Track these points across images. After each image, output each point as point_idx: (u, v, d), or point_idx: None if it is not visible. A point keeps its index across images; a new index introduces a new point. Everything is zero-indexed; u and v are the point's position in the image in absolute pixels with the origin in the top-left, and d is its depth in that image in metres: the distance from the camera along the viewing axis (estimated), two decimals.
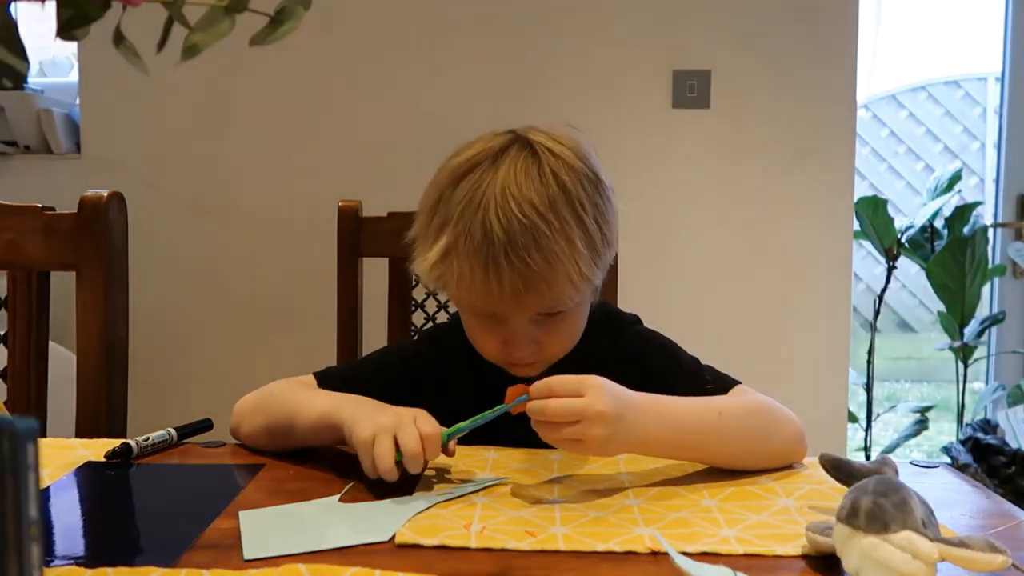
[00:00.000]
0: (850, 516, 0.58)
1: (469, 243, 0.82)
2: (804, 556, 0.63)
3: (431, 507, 0.73)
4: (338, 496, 0.76)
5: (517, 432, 0.90)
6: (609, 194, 0.90)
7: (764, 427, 0.85)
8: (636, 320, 1.02)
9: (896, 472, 0.72)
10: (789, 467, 0.85)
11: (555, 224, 0.82)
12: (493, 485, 0.79)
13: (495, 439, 0.90)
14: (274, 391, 0.93)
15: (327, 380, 0.95)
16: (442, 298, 1.46)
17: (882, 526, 0.56)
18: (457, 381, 0.97)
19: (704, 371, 0.94)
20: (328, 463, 0.86)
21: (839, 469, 0.71)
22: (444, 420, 0.80)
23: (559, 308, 0.87)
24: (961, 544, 0.57)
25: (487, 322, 0.89)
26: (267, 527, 0.69)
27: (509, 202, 0.82)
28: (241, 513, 0.72)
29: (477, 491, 0.78)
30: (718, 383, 0.91)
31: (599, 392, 0.74)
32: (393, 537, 0.66)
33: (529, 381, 0.77)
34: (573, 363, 0.92)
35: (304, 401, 0.88)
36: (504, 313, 0.87)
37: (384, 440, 0.76)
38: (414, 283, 1.42)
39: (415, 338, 1.05)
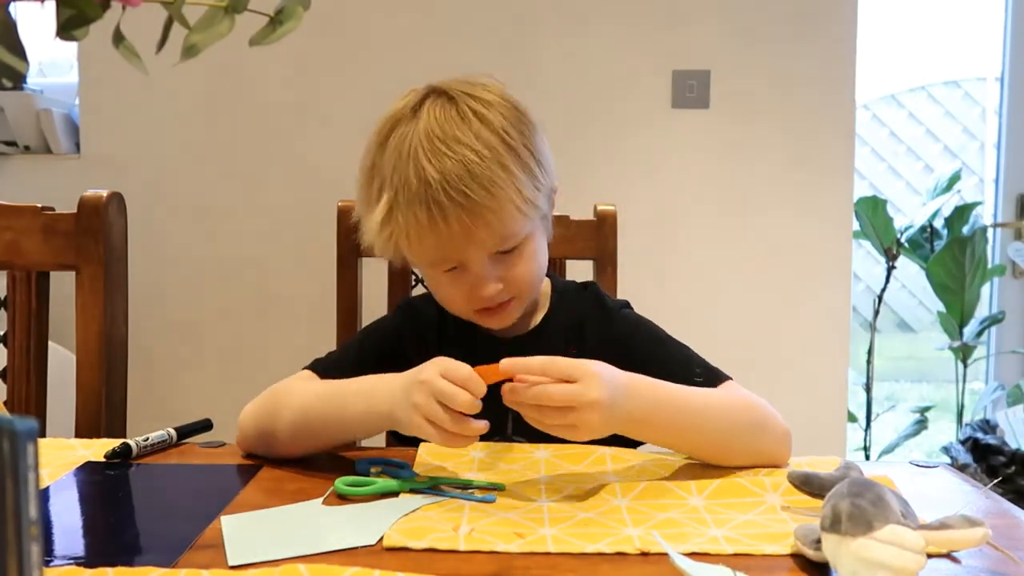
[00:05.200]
0: (834, 523, 0.58)
1: (407, 192, 0.84)
2: (794, 555, 0.63)
3: (418, 509, 0.72)
4: (321, 499, 0.75)
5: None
6: (532, 120, 0.92)
7: (748, 424, 0.84)
8: (625, 304, 1.02)
9: (861, 473, 0.71)
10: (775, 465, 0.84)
11: (485, 153, 0.84)
12: (481, 501, 0.75)
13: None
14: (295, 397, 0.88)
15: (324, 371, 0.93)
16: None
17: (866, 525, 0.56)
18: (438, 349, 0.92)
19: (694, 360, 0.93)
20: (328, 463, 0.85)
21: (809, 483, 0.72)
22: None
23: (512, 241, 0.88)
24: (942, 527, 0.60)
25: (449, 275, 0.90)
26: (251, 532, 0.68)
27: (436, 143, 0.85)
28: (223, 518, 0.70)
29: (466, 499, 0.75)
30: (708, 375, 0.90)
31: (595, 379, 0.73)
32: (380, 540, 0.65)
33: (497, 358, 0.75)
34: (559, 344, 0.91)
35: (348, 399, 0.84)
36: (461, 256, 0.87)
37: (433, 411, 0.74)
38: (414, 283, 1.42)
39: (393, 312, 1.04)
